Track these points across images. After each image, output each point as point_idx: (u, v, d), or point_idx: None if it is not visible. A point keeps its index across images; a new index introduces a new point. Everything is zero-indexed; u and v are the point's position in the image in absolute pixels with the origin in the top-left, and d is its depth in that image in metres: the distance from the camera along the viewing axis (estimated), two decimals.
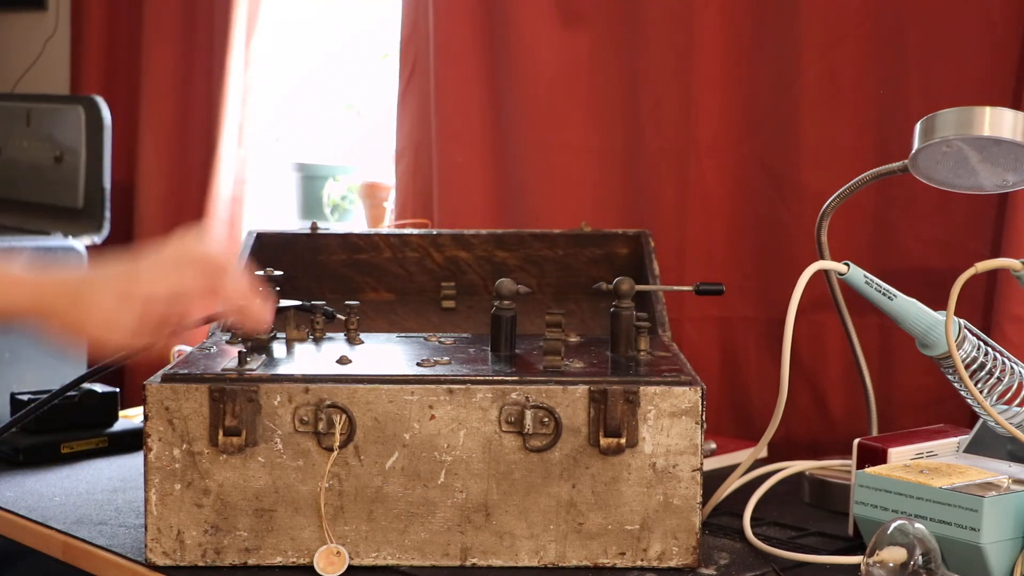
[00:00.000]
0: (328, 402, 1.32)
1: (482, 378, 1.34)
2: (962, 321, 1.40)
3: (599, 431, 1.32)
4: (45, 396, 1.56)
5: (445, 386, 1.33)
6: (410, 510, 1.33)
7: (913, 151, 1.46)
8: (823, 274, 1.59)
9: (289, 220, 2.81)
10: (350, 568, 1.33)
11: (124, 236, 2.76)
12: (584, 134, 2.08)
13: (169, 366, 1.39)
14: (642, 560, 1.34)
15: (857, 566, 1.28)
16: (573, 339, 1.54)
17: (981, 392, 1.39)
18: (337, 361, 1.39)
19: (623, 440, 1.32)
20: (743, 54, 1.94)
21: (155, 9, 2.73)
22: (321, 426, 1.32)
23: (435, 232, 1.84)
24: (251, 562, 1.34)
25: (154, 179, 2.75)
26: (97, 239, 2.44)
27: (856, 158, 1.82)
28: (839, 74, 1.85)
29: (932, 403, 1.78)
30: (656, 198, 2.01)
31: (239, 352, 1.39)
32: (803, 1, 1.86)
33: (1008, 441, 1.41)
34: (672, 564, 1.34)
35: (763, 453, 1.64)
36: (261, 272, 1.51)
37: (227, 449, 1.32)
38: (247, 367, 1.36)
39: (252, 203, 2.66)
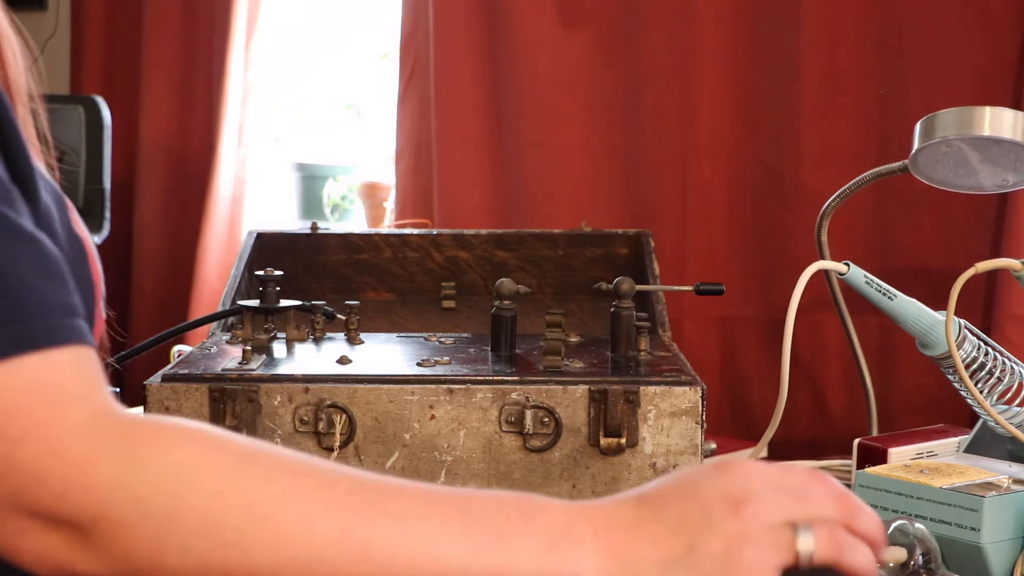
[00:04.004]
0: (328, 402, 1.32)
1: (482, 378, 1.34)
2: (962, 321, 1.40)
3: (599, 431, 1.32)
4: None
5: (445, 386, 1.33)
6: None
7: (913, 151, 1.46)
8: (823, 274, 1.59)
9: (289, 220, 2.81)
10: None
11: (124, 236, 2.76)
12: (584, 134, 2.08)
13: (169, 366, 1.38)
14: None
15: None
16: (573, 339, 1.54)
17: (981, 392, 1.39)
18: (337, 361, 1.39)
19: (623, 440, 1.32)
20: (743, 54, 1.94)
21: (155, 9, 2.74)
22: (321, 426, 1.32)
23: (435, 232, 1.84)
24: None
25: (154, 179, 2.75)
26: (97, 239, 2.44)
27: (856, 158, 1.82)
28: (839, 74, 1.86)
29: (932, 403, 1.78)
30: (656, 198, 2.01)
31: (243, 351, 1.39)
32: (803, 1, 1.86)
33: (1008, 441, 1.41)
34: None
35: (763, 453, 1.64)
36: (261, 272, 1.51)
37: None
38: (247, 367, 1.36)
39: (252, 203, 2.66)
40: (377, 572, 0.77)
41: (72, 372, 0.77)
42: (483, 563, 0.78)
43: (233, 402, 1.31)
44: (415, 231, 1.87)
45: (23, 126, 0.90)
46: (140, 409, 1.35)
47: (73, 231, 0.95)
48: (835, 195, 1.61)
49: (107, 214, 2.46)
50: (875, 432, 1.70)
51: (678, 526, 0.80)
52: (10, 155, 0.84)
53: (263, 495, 0.77)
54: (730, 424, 1.96)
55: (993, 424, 1.40)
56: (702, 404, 1.33)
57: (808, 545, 0.80)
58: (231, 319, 1.59)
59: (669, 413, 1.33)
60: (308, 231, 1.82)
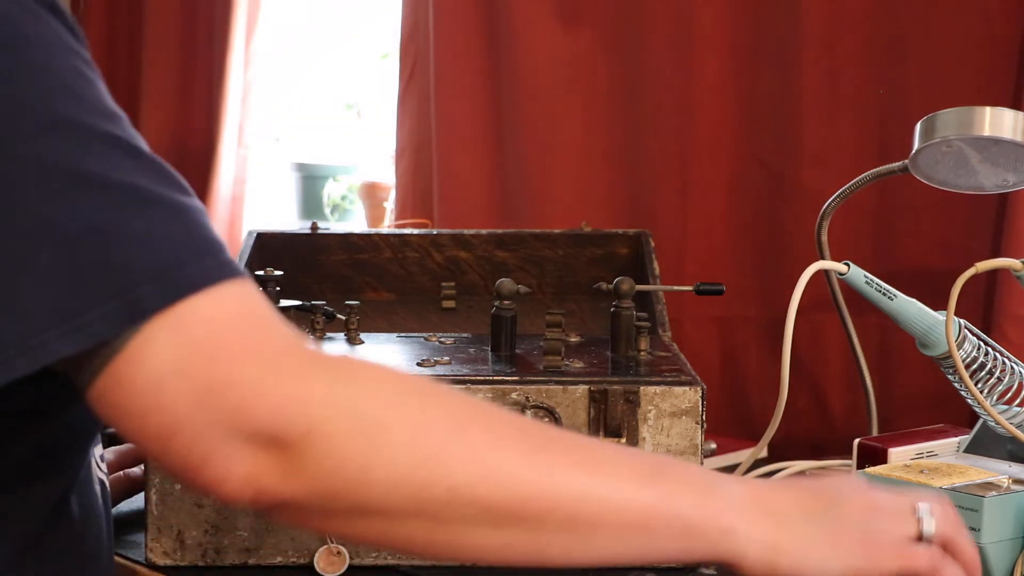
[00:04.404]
0: None
1: (482, 378, 1.34)
2: (962, 321, 1.40)
3: (599, 431, 1.32)
4: None
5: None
6: None
7: (913, 151, 1.46)
8: (823, 274, 1.59)
9: (289, 220, 2.81)
10: (350, 568, 1.33)
11: None
12: (584, 134, 2.08)
13: None
14: None
15: None
16: (573, 339, 1.54)
17: (981, 392, 1.39)
18: None
19: (623, 440, 1.32)
20: (743, 54, 1.94)
21: (155, 10, 2.73)
22: None
23: (435, 232, 1.84)
24: (251, 562, 1.33)
25: None
26: None
27: (856, 158, 1.82)
28: (839, 74, 1.86)
29: (932, 403, 1.78)
30: (656, 198, 2.01)
31: None
32: (803, 1, 1.86)
33: (1008, 441, 1.41)
34: (672, 564, 1.34)
35: (763, 453, 1.64)
36: (261, 272, 1.51)
37: None
38: None
39: (252, 203, 2.66)
40: (557, 494, 0.82)
41: (262, 300, 0.82)
42: (646, 501, 0.84)
43: None
44: (415, 231, 1.87)
45: None
46: None
47: None
48: (835, 195, 1.61)
49: None
50: (875, 432, 1.70)
51: (815, 495, 0.89)
52: None
53: (460, 415, 0.82)
54: (730, 424, 1.95)
55: (993, 424, 1.40)
56: (702, 404, 1.33)
57: (931, 521, 0.89)
58: None
59: (669, 413, 1.33)
60: (308, 231, 1.82)
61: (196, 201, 0.83)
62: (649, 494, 0.84)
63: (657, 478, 0.85)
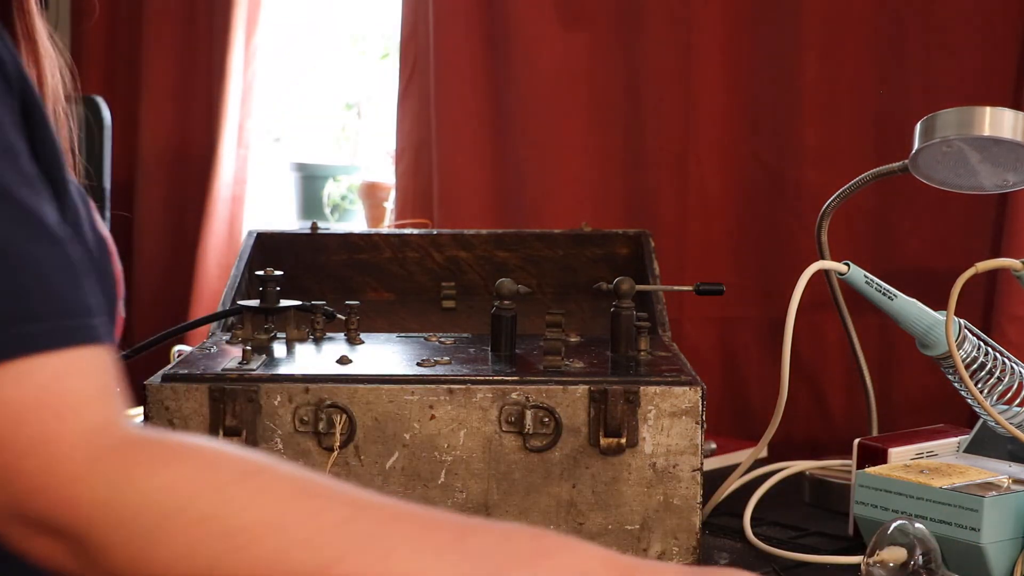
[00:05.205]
0: (328, 402, 1.32)
1: (482, 378, 1.34)
2: (962, 321, 1.40)
3: (599, 431, 1.32)
4: None
5: (445, 386, 1.33)
6: None
7: (913, 151, 1.46)
8: (823, 274, 1.59)
9: (289, 220, 2.81)
10: None
11: (124, 236, 2.76)
12: (584, 134, 2.08)
13: (169, 366, 1.38)
14: None
15: (857, 566, 1.28)
16: (573, 339, 1.54)
17: (981, 392, 1.39)
18: (337, 361, 1.39)
19: (623, 440, 1.32)
20: (743, 54, 1.94)
21: (155, 9, 2.73)
22: (321, 426, 1.32)
23: (435, 232, 1.84)
24: None
25: (154, 179, 2.75)
26: None
27: (856, 158, 1.82)
28: (839, 74, 1.86)
29: (932, 403, 1.78)
30: (656, 198, 2.01)
31: (243, 351, 1.39)
32: (803, 1, 1.86)
33: (1008, 441, 1.42)
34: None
35: (763, 453, 1.64)
36: (261, 272, 1.51)
37: None
38: (247, 367, 1.36)
39: (252, 203, 2.66)
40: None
41: (81, 378, 0.78)
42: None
43: (233, 402, 1.31)
44: (415, 231, 1.87)
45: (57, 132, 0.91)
46: (140, 409, 1.35)
47: (97, 230, 0.96)
48: (835, 195, 1.61)
49: (107, 214, 2.46)
50: (875, 432, 1.70)
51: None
52: (41, 152, 0.85)
53: (248, 522, 0.76)
54: (730, 424, 1.96)
55: (993, 424, 1.40)
56: (702, 404, 1.33)
57: None
58: (231, 319, 1.59)
59: (669, 413, 1.33)
60: (308, 231, 1.83)
61: (63, 251, 0.80)
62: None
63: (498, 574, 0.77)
